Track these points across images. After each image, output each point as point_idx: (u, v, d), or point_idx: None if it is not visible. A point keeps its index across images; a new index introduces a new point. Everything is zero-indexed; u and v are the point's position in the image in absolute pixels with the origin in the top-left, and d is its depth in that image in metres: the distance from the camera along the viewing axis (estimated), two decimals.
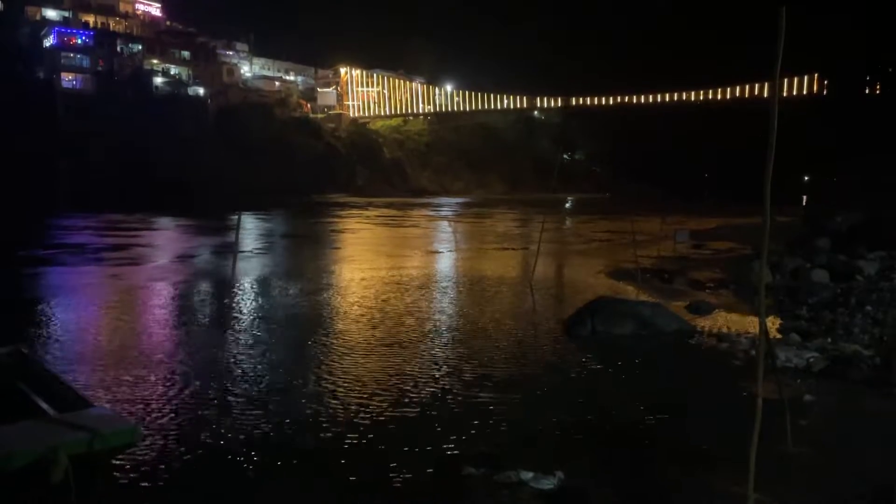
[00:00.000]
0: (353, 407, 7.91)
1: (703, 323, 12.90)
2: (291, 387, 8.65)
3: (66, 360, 9.77)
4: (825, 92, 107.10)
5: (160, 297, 15.33)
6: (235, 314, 13.22)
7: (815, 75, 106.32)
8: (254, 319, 12.87)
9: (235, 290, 15.73)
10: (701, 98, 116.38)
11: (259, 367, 9.58)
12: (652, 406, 8.13)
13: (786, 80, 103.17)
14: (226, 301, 14.44)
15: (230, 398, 8.19)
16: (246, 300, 14.94)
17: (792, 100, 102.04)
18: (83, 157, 71.74)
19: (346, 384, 8.78)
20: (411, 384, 8.81)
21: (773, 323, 12.34)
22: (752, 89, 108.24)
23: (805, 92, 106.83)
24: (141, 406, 7.82)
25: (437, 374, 9.31)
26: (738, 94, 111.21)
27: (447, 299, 15.55)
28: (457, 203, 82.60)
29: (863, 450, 6.74)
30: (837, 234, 23.66)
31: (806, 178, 62.50)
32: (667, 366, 10.20)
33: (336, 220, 48.39)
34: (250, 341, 11.09)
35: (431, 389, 8.61)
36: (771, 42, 5.25)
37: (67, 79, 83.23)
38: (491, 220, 49.24)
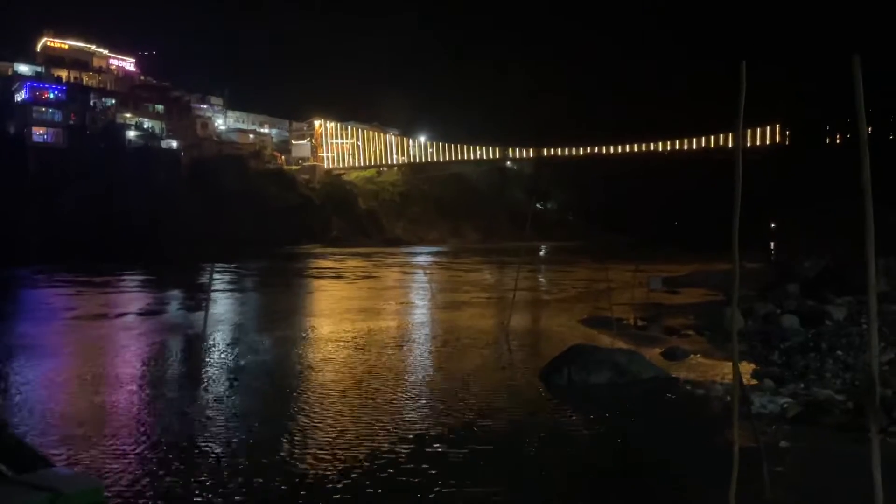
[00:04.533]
0: (327, 466, 7.73)
1: (679, 369, 12.92)
2: (262, 448, 8.39)
3: (25, 420, 9.46)
4: (787, 142, 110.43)
5: (128, 354, 14.99)
6: (205, 371, 12.96)
7: (777, 126, 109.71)
8: (224, 377, 12.60)
9: (206, 346, 15.45)
10: (668, 148, 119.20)
11: (229, 426, 9.34)
12: (630, 455, 8.07)
13: (749, 131, 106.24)
14: (196, 358, 14.17)
15: (198, 457, 7.96)
16: (216, 357, 14.65)
17: (756, 149, 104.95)
18: (53, 210, 70.93)
19: (319, 442, 8.58)
20: (387, 442, 8.61)
21: (746, 368, 12.40)
22: (717, 140, 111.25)
23: (768, 142, 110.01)
24: (105, 467, 7.57)
25: (414, 430, 9.15)
26: (703, 145, 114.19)
27: (423, 352, 15.43)
28: (432, 252, 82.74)
29: (839, 496, 6.72)
30: (805, 279, 24.06)
31: (773, 225, 63.83)
32: (644, 414, 10.16)
33: (310, 271, 48.12)
34: (220, 400, 10.83)
35: (408, 446, 8.42)
36: (734, 95, 5.43)
37: (39, 133, 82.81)
38: (466, 269, 49.34)
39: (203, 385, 11.71)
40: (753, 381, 11.41)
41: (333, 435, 8.86)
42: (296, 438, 8.72)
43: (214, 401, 10.66)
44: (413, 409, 10.15)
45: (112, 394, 11.16)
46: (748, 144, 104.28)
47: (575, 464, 7.85)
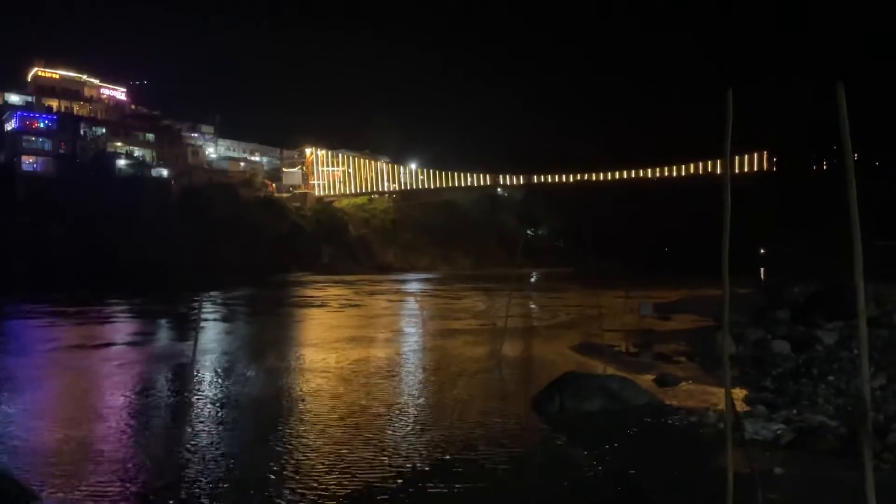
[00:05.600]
0: (318, 500, 7.62)
1: (671, 396, 12.89)
2: (250, 483, 8.23)
3: (9, 454, 9.30)
4: (774, 168, 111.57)
5: (115, 385, 14.80)
6: (194, 403, 12.74)
7: (765, 153, 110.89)
8: (214, 409, 12.43)
9: (195, 376, 15.23)
10: (657, 175, 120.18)
11: (215, 461, 9.17)
12: (625, 484, 8.00)
13: (738, 158, 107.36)
14: (184, 389, 13.98)
15: (185, 494, 7.83)
16: (205, 388, 14.46)
17: (745, 176, 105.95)
18: (43, 239, 70.56)
19: (309, 478, 8.42)
20: (379, 477, 8.44)
21: (739, 395, 12.38)
22: (706, 167, 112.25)
23: (755, 168, 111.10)
24: (92, 502, 7.43)
25: (406, 464, 8.99)
26: (692, 172, 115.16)
27: (414, 381, 15.33)
28: (423, 279, 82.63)
29: None
30: (795, 305, 24.11)
31: (762, 251, 64.19)
32: (637, 441, 10.09)
33: (300, 299, 47.90)
34: (209, 433, 10.67)
35: (400, 482, 8.25)
36: (721, 122, 5.49)
37: (28, 161, 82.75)
38: (457, 295, 49.25)
39: (190, 419, 11.53)
40: (746, 408, 11.38)
41: (323, 470, 8.71)
42: (285, 474, 8.54)
43: (202, 435, 10.51)
44: (405, 442, 10.02)
45: (99, 428, 10.99)
46: (737, 171, 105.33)
47: (570, 495, 7.77)
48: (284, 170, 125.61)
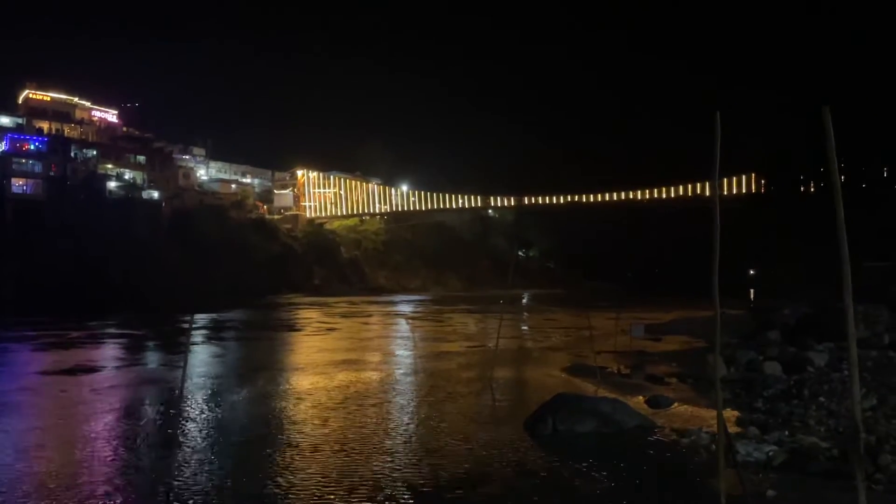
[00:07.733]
0: None
1: (663, 418, 12.85)
2: None
3: None
4: (763, 190, 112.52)
5: (101, 412, 14.62)
6: (182, 429, 12.46)
7: (753, 175, 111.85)
8: (203, 436, 12.22)
9: (184, 402, 15.02)
10: (648, 197, 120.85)
11: (205, 492, 9.01)
12: None
13: (726, 180, 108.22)
14: (173, 415, 13.77)
15: None
16: (194, 414, 14.22)
17: (734, 198, 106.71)
18: (33, 261, 69.99)
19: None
20: (373, 501, 8.36)
21: (731, 416, 12.37)
22: (694, 188, 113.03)
23: (744, 190, 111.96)
24: None
25: (400, 488, 8.92)
26: (682, 193, 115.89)
27: (407, 405, 15.24)
28: (414, 301, 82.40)
29: None
30: (786, 326, 24.21)
31: (752, 272, 64.54)
32: (630, 464, 10.04)
33: (291, 322, 47.64)
34: (198, 462, 10.47)
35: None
36: (710, 145, 5.55)
37: (17, 184, 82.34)
38: (449, 317, 49.11)
39: (179, 447, 11.28)
40: (738, 429, 11.36)
41: (315, 498, 8.59)
42: (281, 498, 8.43)
43: (190, 464, 10.33)
44: (398, 469, 9.89)
45: (83, 457, 10.83)
46: (726, 193, 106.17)
47: None
48: (276, 191, 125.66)
